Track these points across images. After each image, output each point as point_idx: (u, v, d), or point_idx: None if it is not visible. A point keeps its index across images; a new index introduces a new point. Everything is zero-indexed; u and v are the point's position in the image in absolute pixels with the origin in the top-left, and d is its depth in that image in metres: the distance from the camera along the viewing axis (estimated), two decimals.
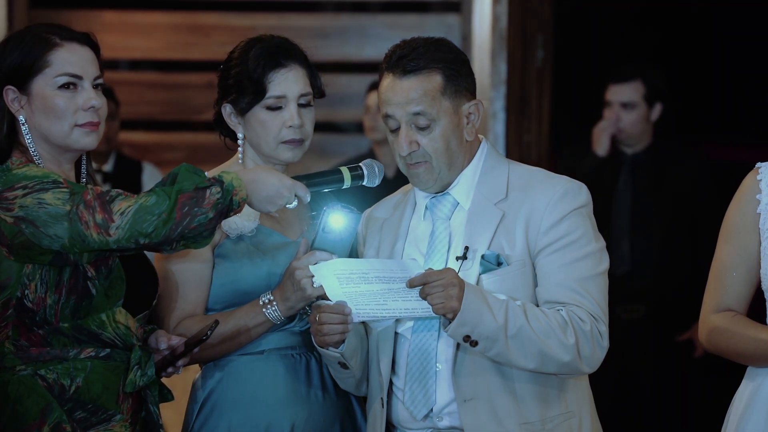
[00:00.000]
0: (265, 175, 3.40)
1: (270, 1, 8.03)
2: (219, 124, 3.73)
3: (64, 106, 3.36)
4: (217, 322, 3.40)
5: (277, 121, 3.63)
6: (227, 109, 3.67)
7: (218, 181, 3.28)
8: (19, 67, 3.34)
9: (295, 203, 3.44)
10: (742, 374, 3.47)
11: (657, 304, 6.30)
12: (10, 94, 3.36)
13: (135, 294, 3.40)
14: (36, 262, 3.28)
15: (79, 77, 3.38)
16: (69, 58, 3.37)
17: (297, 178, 3.49)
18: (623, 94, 6.42)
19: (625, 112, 6.40)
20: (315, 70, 3.70)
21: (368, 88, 6.89)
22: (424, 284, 3.31)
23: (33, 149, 3.37)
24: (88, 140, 3.41)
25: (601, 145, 6.40)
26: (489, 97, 7.16)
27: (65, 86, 3.37)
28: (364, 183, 3.60)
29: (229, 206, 3.29)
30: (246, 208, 3.48)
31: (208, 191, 3.25)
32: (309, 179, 3.50)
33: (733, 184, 3.53)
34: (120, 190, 3.27)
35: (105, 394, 3.33)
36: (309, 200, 3.45)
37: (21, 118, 3.36)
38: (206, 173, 3.66)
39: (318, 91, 3.71)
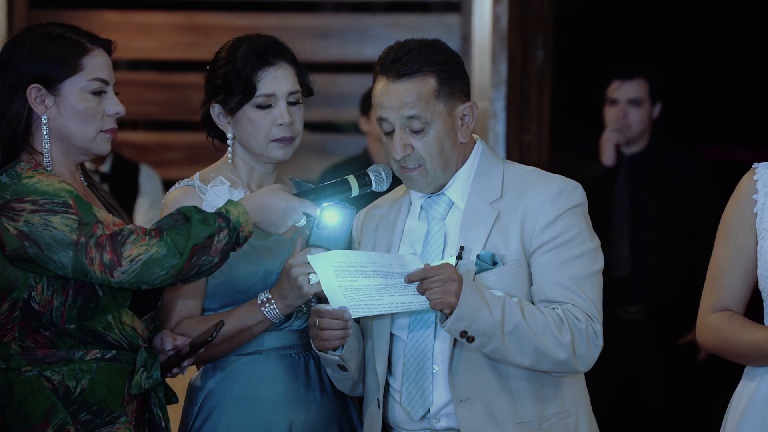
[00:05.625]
0: (271, 198, 3.42)
1: (270, 1, 8.02)
2: (207, 125, 3.73)
3: (94, 110, 3.38)
4: (222, 323, 3.41)
5: (267, 120, 3.63)
6: (216, 110, 3.67)
7: (225, 219, 3.30)
8: (52, 67, 3.34)
9: (303, 221, 3.46)
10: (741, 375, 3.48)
11: (659, 305, 6.30)
12: (34, 92, 3.35)
13: (140, 295, 3.41)
14: (37, 273, 3.30)
15: (108, 83, 3.41)
16: (100, 63, 3.40)
17: (303, 193, 3.50)
18: (631, 90, 6.41)
19: (632, 109, 6.39)
20: (303, 68, 3.71)
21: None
22: (422, 279, 3.32)
23: (47, 151, 3.38)
24: (107, 146, 3.45)
25: (607, 155, 6.39)
26: (489, 97, 7.15)
27: (96, 91, 3.39)
28: (372, 189, 3.60)
29: (235, 243, 3.32)
30: None
31: (216, 238, 3.28)
32: (316, 194, 3.50)
33: (730, 184, 3.54)
34: (132, 227, 3.28)
35: (110, 396, 3.35)
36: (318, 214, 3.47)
37: (44, 118, 3.37)
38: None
39: (306, 89, 3.72)
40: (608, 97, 6.46)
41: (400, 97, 3.44)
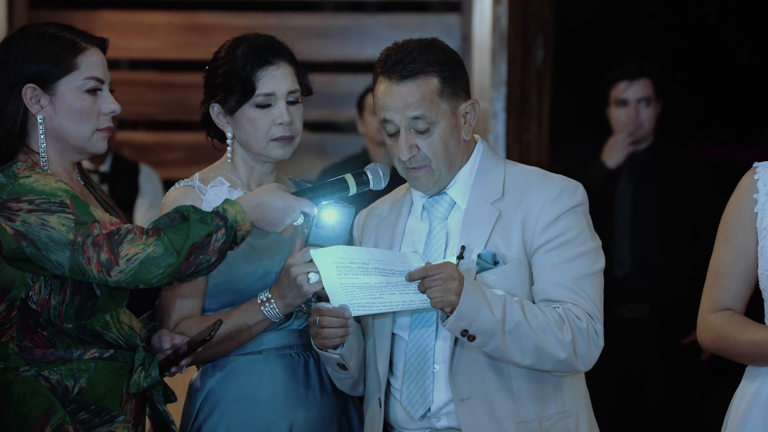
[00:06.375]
0: (269, 197, 3.41)
1: (270, 1, 8.03)
2: (206, 125, 3.73)
3: (90, 109, 3.38)
4: (220, 322, 3.40)
5: (266, 119, 3.63)
6: (215, 109, 3.67)
7: (222, 218, 3.29)
8: (47, 67, 3.34)
9: (301, 220, 3.45)
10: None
11: (661, 304, 6.30)
12: (29, 92, 3.35)
13: (138, 294, 3.41)
14: (34, 273, 3.29)
15: (103, 82, 3.41)
16: (95, 62, 3.40)
17: (301, 192, 3.50)
18: (640, 90, 6.38)
19: (643, 109, 6.37)
20: (302, 67, 3.71)
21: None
22: (423, 278, 3.32)
23: (43, 150, 3.38)
24: (103, 145, 3.44)
25: (615, 159, 6.34)
26: (489, 97, 7.15)
27: (91, 90, 3.38)
28: (370, 187, 3.60)
29: (233, 242, 3.31)
30: None
31: (213, 237, 3.28)
32: (313, 193, 3.49)
33: (731, 183, 3.53)
34: (129, 226, 3.28)
35: (108, 395, 3.34)
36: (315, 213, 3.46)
37: (40, 117, 3.37)
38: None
39: (305, 89, 3.71)
40: (615, 98, 6.40)
41: (404, 99, 3.44)
